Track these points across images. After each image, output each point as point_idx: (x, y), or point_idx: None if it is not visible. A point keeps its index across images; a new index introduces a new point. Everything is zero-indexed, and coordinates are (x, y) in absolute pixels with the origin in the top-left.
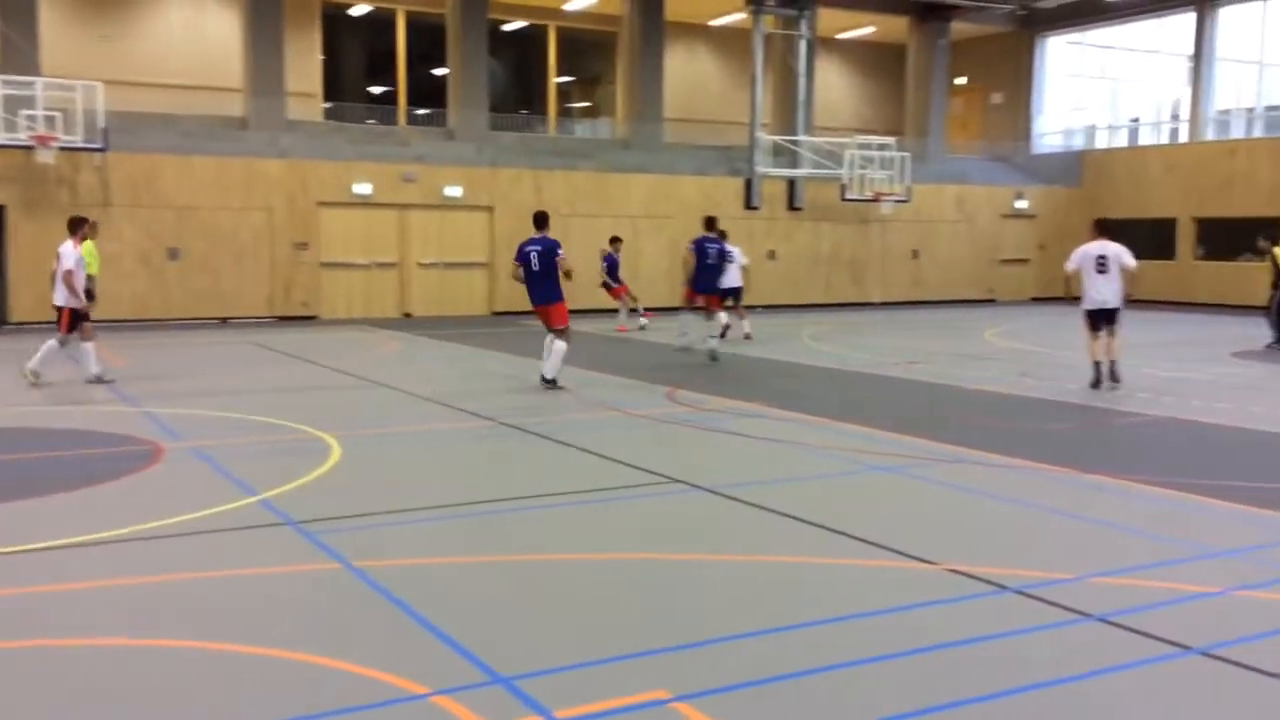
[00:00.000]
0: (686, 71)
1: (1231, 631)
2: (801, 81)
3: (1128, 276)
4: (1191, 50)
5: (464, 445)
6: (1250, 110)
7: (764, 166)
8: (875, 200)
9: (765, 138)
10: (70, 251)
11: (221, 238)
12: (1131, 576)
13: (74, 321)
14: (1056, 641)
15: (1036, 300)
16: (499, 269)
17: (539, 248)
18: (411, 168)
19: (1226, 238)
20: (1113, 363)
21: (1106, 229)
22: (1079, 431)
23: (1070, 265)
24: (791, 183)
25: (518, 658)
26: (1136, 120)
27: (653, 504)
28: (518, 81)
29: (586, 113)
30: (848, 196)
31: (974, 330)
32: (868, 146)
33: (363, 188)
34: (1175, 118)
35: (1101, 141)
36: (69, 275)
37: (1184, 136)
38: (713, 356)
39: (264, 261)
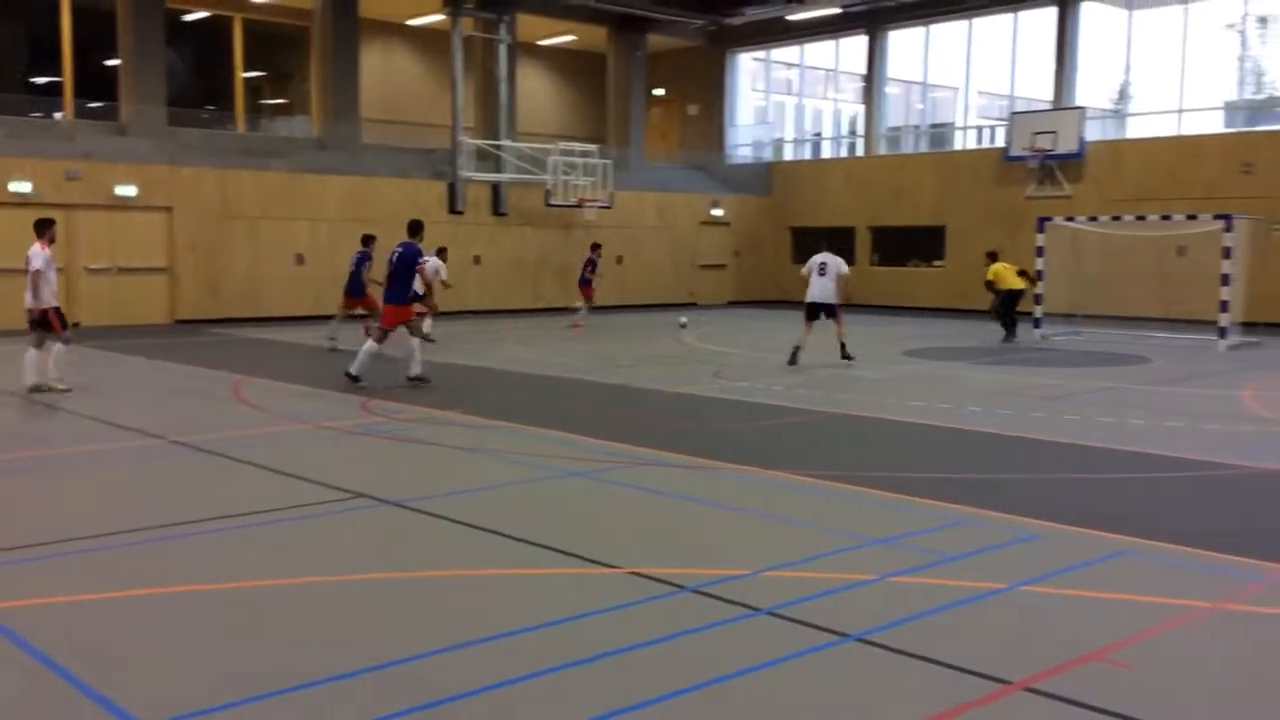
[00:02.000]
0: (386, 71)
1: (885, 617)
2: (503, 86)
3: (841, 280)
4: (864, 71)
5: (131, 466)
6: (917, 128)
7: (467, 171)
8: (579, 206)
9: (468, 142)
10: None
11: None
12: (799, 569)
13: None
14: (728, 637)
15: (734, 304)
16: (181, 274)
17: (400, 250)
18: (77, 165)
19: (898, 245)
20: (842, 344)
21: (832, 245)
22: (761, 430)
23: (804, 270)
24: (496, 188)
25: (168, 701)
26: (819, 135)
27: (336, 522)
28: (201, 75)
29: (279, 110)
30: (552, 202)
31: (674, 334)
32: (571, 153)
33: (21, 185)
34: (853, 133)
35: (789, 154)
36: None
37: (860, 151)
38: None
39: None
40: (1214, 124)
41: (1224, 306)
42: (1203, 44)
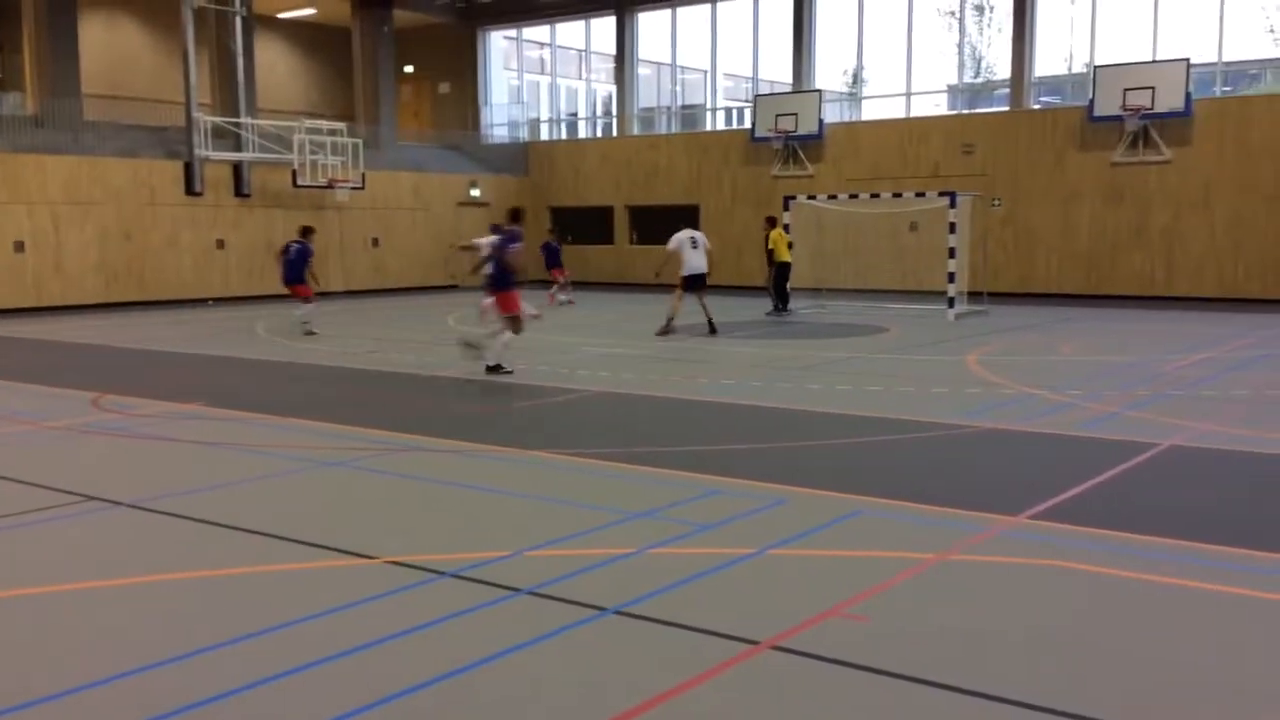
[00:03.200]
0: (109, 43)
1: (643, 588)
2: (240, 60)
3: (710, 254)
4: (615, 51)
5: None
6: (669, 109)
7: (205, 150)
8: (329, 187)
9: (205, 119)
10: None
11: None
12: (560, 547)
13: None
14: (488, 620)
15: None
16: None
17: (496, 239)
18: None
19: (655, 224)
20: (709, 317)
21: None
22: (524, 411)
23: (670, 247)
24: (237, 167)
25: None
26: (574, 115)
27: (65, 527)
28: None
29: None
30: (299, 183)
31: (435, 316)
32: (317, 131)
33: None
34: (608, 114)
35: (545, 134)
36: None
37: (615, 131)
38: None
39: None
40: (938, 107)
41: (951, 278)
42: (927, 30)
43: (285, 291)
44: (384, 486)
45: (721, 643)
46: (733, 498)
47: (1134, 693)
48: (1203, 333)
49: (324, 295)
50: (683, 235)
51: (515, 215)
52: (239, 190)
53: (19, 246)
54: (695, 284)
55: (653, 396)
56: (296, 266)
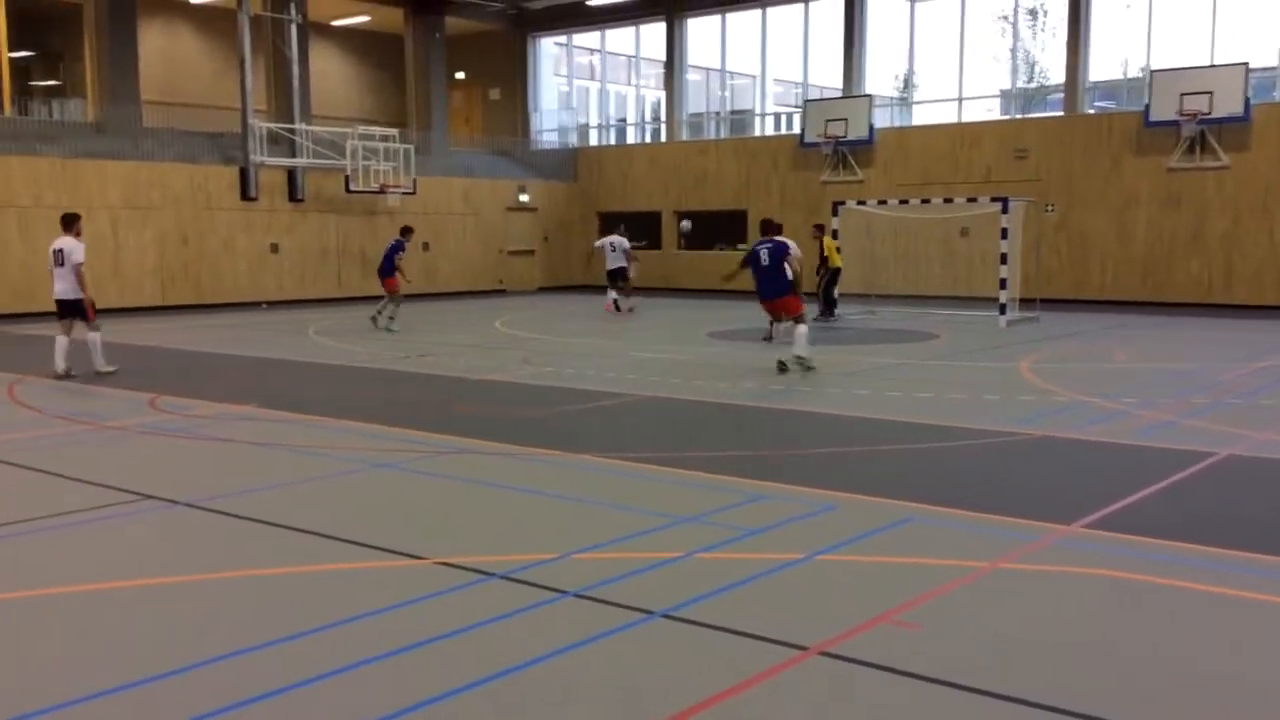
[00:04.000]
0: (168, 51)
1: (690, 592)
2: (295, 68)
3: (794, 265)
4: (664, 57)
5: None
6: (718, 114)
7: (260, 155)
8: (381, 192)
9: (260, 125)
10: None
11: None
12: (607, 550)
13: None
14: (536, 621)
15: (543, 290)
16: None
17: (769, 246)
18: None
19: (703, 229)
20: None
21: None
22: (569, 414)
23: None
24: (291, 173)
25: None
26: (623, 120)
27: (124, 525)
28: None
29: (51, 93)
30: (352, 188)
31: (484, 320)
32: (370, 138)
33: None
34: (656, 119)
35: (594, 139)
36: None
37: (664, 136)
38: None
39: None
40: (991, 112)
41: (1003, 284)
42: (979, 35)
43: (335, 296)
44: (433, 488)
45: (769, 648)
46: (781, 503)
47: (1187, 705)
48: (1262, 340)
49: (376, 299)
50: (757, 247)
51: (772, 226)
52: (293, 195)
53: None
54: (611, 277)
55: (699, 401)
56: (388, 260)
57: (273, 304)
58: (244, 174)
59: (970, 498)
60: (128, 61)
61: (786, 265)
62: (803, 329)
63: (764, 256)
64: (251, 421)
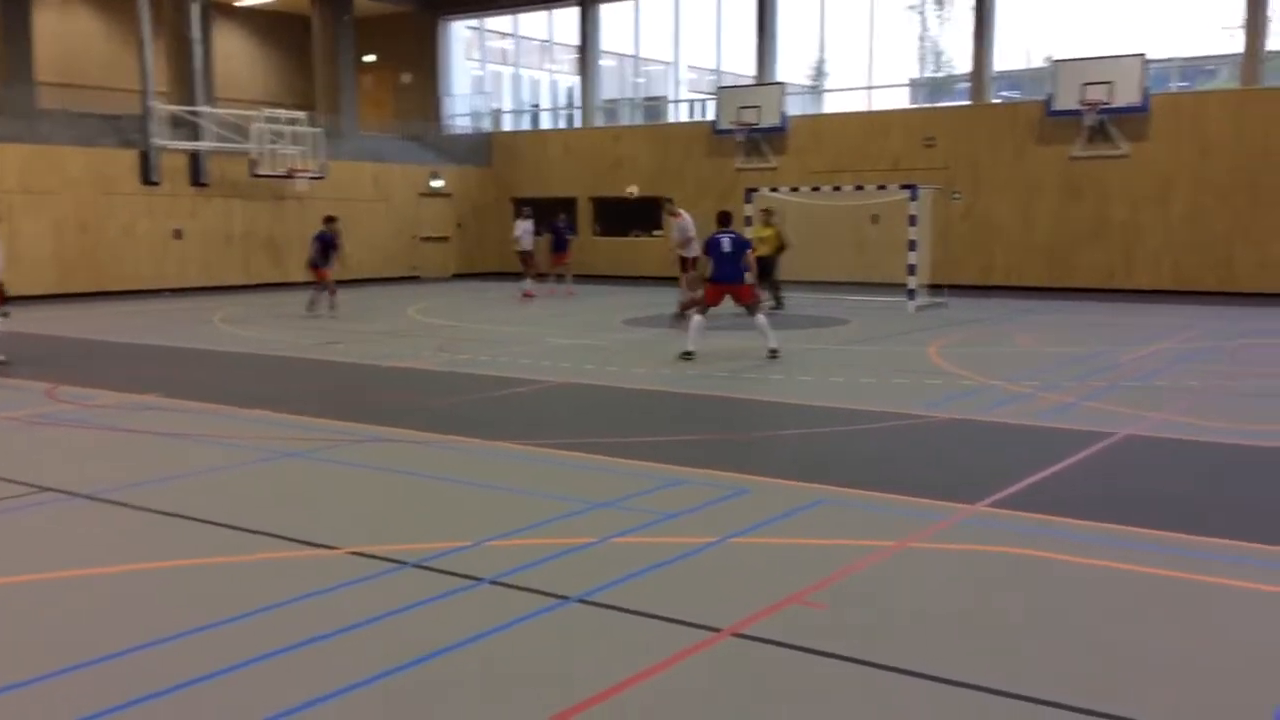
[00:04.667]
0: (64, 31)
1: (605, 577)
2: (198, 49)
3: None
4: (578, 42)
5: None
6: (632, 100)
7: (161, 139)
8: (289, 177)
9: (161, 107)
10: None
11: None
12: (522, 537)
13: None
14: (450, 609)
15: (459, 276)
16: None
17: (731, 236)
18: None
19: (619, 216)
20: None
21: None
22: (485, 401)
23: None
24: (195, 157)
25: None
26: (537, 106)
27: (18, 519)
28: None
29: None
30: (258, 172)
31: (398, 308)
32: (276, 121)
33: None
34: (571, 105)
35: (508, 124)
36: None
37: (578, 122)
38: None
39: None
40: (900, 100)
41: (911, 270)
42: (888, 23)
43: (242, 283)
44: (345, 477)
45: (683, 630)
46: (695, 487)
47: (1088, 675)
48: (1159, 324)
49: (284, 286)
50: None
51: (730, 217)
52: (196, 180)
53: None
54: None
55: (615, 387)
56: (322, 254)
57: (176, 291)
58: (145, 157)
59: (880, 479)
60: (21, 41)
61: (746, 257)
62: (762, 319)
63: (726, 244)
64: (155, 411)
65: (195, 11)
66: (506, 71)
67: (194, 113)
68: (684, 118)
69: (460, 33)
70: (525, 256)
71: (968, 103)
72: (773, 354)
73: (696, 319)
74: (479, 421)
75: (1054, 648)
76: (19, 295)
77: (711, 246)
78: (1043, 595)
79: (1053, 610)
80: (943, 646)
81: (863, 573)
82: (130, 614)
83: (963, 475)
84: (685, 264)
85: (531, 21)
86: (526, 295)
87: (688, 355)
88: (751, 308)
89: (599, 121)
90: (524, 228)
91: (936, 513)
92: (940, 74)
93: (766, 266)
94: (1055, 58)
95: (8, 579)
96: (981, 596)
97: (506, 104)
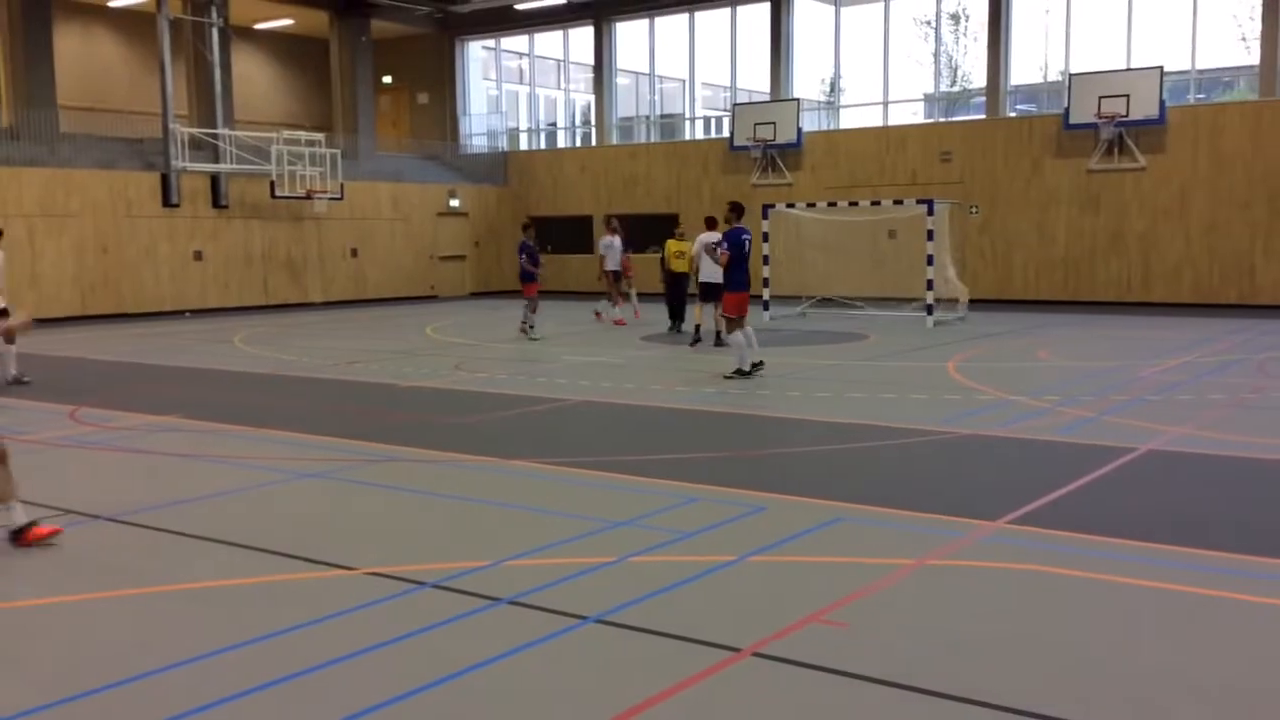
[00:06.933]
0: (86, 55)
1: (624, 596)
2: (218, 72)
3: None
4: (593, 61)
5: None
6: (647, 118)
7: (182, 161)
8: (308, 197)
9: (181, 130)
10: None
11: None
12: (541, 556)
13: None
14: (469, 630)
15: (475, 294)
16: None
17: (748, 236)
18: None
19: (634, 232)
20: (717, 331)
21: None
22: (503, 420)
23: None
24: (215, 179)
25: None
26: (553, 124)
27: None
28: None
29: None
30: (278, 194)
31: (415, 327)
32: (296, 142)
33: None
34: (587, 123)
35: (524, 143)
36: None
37: (594, 140)
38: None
39: None
40: (915, 115)
41: (929, 285)
42: (903, 39)
43: (261, 303)
44: (363, 497)
45: (703, 650)
46: (713, 505)
47: (1113, 696)
48: (1179, 338)
49: (304, 307)
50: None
51: (716, 222)
52: (216, 201)
53: None
54: (708, 292)
55: (632, 405)
56: (531, 262)
57: (197, 312)
58: (165, 180)
59: (898, 496)
60: (43, 65)
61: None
62: (736, 335)
63: (749, 244)
64: (176, 433)
65: (215, 35)
66: (522, 91)
67: (214, 135)
68: (700, 135)
69: (476, 53)
70: (612, 276)
71: (984, 117)
72: (741, 374)
73: (747, 330)
74: (497, 440)
75: (1077, 668)
76: (41, 318)
77: (736, 244)
78: (1065, 614)
79: (1075, 629)
80: (965, 666)
81: (882, 591)
82: (151, 636)
83: (982, 492)
84: (616, 278)
85: (547, 41)
86: (617, 322)
87: (758, 366)
88: (736, 321)
89: (614, 139)
90: (611, 243)
91: (956, 530)
92: (956, 88)
93: (680, 284)
94: (1071, 71)
95: (37, 600)
96: (1003, 615)
97: (523, 123)
